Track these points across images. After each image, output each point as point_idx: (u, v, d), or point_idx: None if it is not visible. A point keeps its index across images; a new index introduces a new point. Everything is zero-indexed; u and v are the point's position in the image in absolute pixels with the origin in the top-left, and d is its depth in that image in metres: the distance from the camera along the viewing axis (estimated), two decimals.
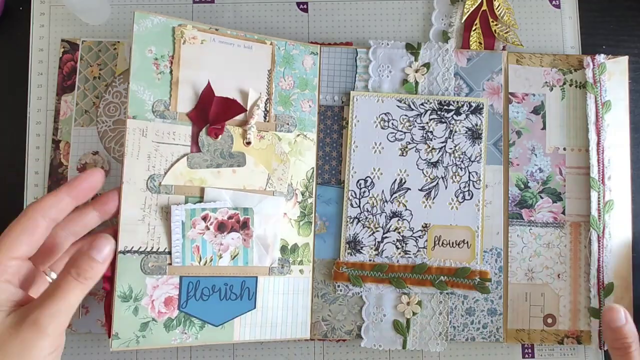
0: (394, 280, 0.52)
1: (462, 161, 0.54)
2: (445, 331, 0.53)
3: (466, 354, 0.54)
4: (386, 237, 0.53)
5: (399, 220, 0.53)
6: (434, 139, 0.54)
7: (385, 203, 0.53)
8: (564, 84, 0.56)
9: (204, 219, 0.48)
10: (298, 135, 0.53)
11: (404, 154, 0.54)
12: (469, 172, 0.54)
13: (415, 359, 0.54)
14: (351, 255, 0.53)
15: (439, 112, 0.54)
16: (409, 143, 0.54)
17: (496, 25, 0.57)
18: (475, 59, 0.56)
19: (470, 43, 0.57)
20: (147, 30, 0.48)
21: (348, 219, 0.53)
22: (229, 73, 0.51)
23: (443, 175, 0.54)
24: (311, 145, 0.54)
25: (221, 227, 0.48)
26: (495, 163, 0.55)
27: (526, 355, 0.55)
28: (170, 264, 0.47)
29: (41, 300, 0.37)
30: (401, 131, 0.54)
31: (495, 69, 0.56)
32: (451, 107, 0.54)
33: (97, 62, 0.55)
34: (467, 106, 0.55)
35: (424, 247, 0.53)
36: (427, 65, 0.55)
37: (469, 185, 0.54)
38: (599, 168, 0.54)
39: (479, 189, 0.54)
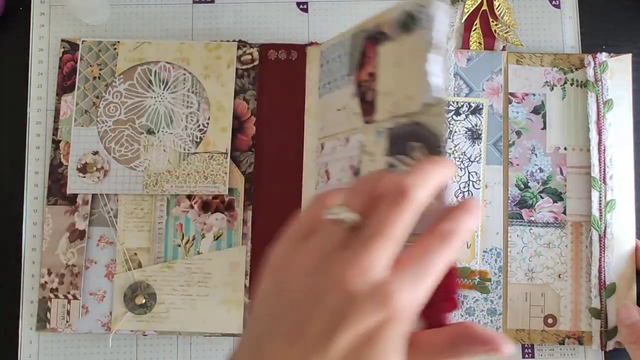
0: None
1: (461, 161, 0.54)
2: None
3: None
4: None
5: None
6: None
7: None
8: (565, 83, 0.56)
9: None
10: None
11: None
12: (469, 172, 0.54)
13: None
14: None
15: None
16: None
17: (496, 25, 0.57)
18: (475, 59, 0.56)
19: (470, 43, 0.57)
20: None
21: None
22: None
23: None
24: None
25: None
26: (495, 163, 0.55)
27: (526, 356, 0.54)
28: None
29: None
30: None
31: (495, 69, 0.56)
32: (451, 108, 0.54)
33: (97, 62, 0.55)
34: (466, 106, 0.55)
35: None
36: None
37: (468, 185, 0.54)
38: (600, 167, 0.54)
39: (478, 189, 0.54)
